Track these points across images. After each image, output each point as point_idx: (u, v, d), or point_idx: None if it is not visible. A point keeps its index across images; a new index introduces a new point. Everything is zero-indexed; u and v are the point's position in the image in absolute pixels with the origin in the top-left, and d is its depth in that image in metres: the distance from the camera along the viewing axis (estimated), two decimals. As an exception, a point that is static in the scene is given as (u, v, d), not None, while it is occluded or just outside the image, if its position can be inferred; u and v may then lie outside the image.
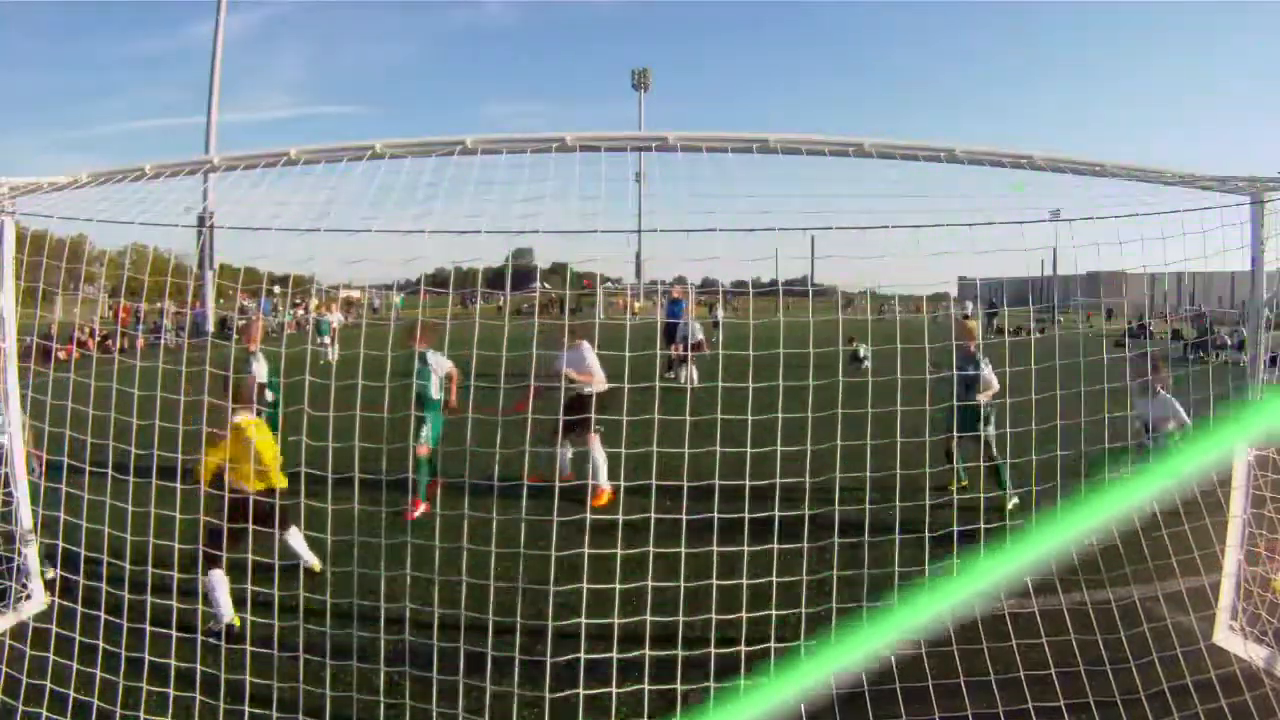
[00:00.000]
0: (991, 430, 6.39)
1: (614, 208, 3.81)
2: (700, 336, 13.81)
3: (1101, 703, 3.53)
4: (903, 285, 4.28)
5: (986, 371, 6.40)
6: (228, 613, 4.15)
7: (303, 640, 3.44)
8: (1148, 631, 3.98)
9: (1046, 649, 3.72)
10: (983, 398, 6.31)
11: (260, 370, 6.70)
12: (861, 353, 13.70)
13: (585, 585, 3.36)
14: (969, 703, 3.44)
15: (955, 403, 5.80)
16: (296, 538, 4.94)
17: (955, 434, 5.85)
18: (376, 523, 4.65)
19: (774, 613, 3.44)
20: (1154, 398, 5.60)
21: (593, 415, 6.08)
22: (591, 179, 3.49)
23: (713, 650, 3.28)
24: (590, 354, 6.67)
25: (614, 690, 3.20)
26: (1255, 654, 4.04)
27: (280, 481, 4.61)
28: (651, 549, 3.37)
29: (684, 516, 3.40)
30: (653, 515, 3.38)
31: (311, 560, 4.94)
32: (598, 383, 6.52)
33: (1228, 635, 4.23)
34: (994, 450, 6.37)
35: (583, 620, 3.31)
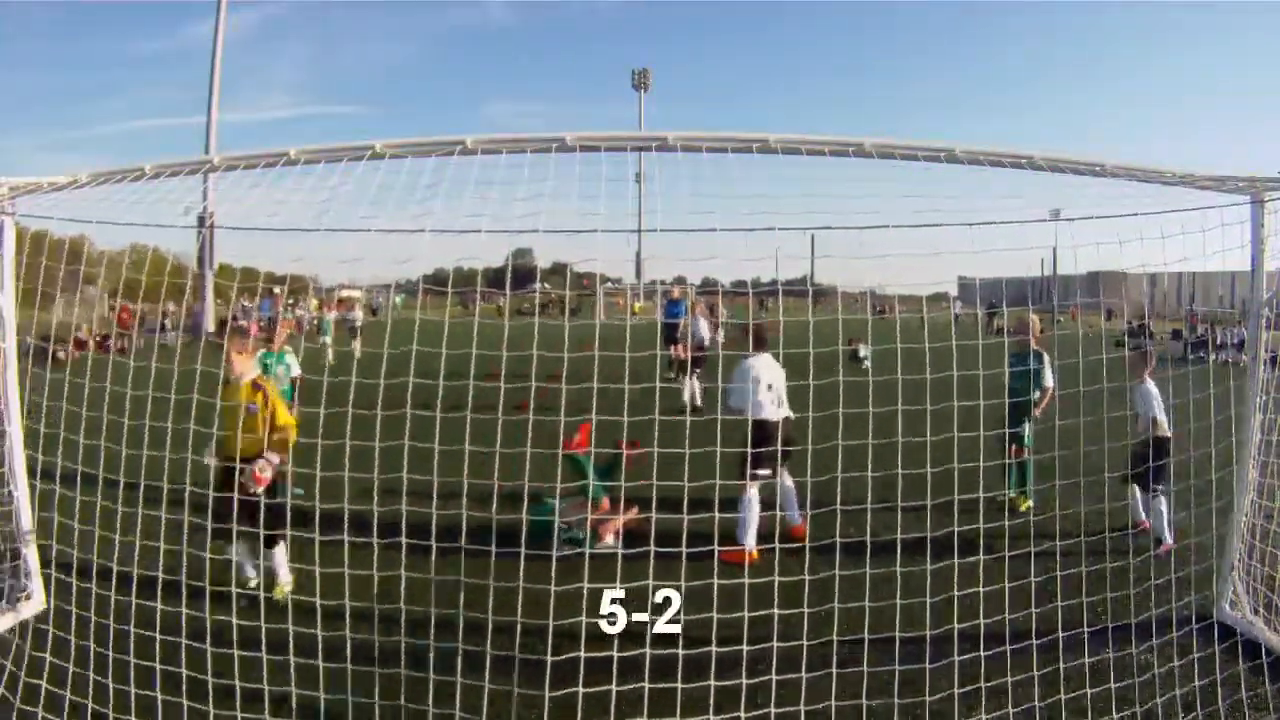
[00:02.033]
0: (1029, 427, 6.53)
1: (614, 208, 3.81)
2: (704, 335, 12.91)
3: (1105, 673, 3.55)
4: (903, 285, 4.28)
5: (1047, 370, 6.51)
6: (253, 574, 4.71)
7: (289, 640, 3.43)
8: (1153, 606, 4.01)
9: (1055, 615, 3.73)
10: (1038, 395, 6.45)
11: (294, 366, 7.07)
12: (861, 352, 13.77)
13: (585, 585, 3.35)
14: (983, 675, 3.47)
15: (1008, 399, 5.89)
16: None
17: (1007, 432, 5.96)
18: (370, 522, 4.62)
19: (776, 612, 3.43)
20: (1139, 386, 5.76)
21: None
22: (591, 179, 3.49)
23: (713, 649, 3.27)
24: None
25: (614, 689, 3.20)
26: (1258, 628, 4.10)
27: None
28: (652, 548, 3.37)
29: (684, 516, 3.39)
30: (653, 515, 3.39)
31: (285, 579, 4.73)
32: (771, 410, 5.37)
33: (1231, 611, 4.30)
34: (1026, 448, 6.51)
35: (583, 619, 3.31)
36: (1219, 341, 19.63)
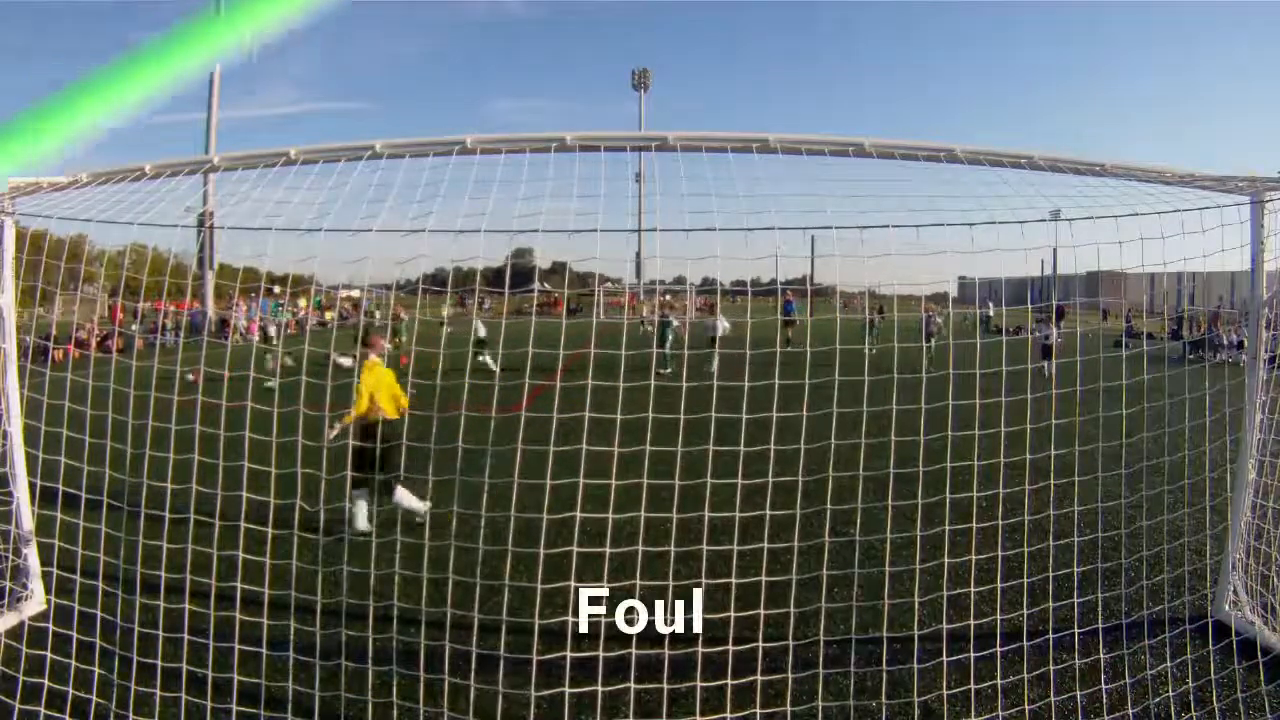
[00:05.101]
0: None
1: (614, 207, 3.81)
2: (724, 326, 14.73)
3: (1102, 673, 3.55)
4: (903, 285, 4.27)
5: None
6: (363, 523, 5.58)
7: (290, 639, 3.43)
8: (1147, 606, 3.99)
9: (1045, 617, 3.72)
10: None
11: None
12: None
13: (573, 584, 3.36)
14: (973, 676, 3.46)
15: None
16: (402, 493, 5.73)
17: None
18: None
19: (762, 612, 3.43)
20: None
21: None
22: (591, 179, 3.50)
23: (699, 650, 3.27)
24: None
25: (599, 689, 3.20)
26: (1256, 627, 4.09)
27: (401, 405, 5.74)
28: (641, 548, 3.37)
29: (674, 515, 3.39)
30: (643, 515, 3.37)
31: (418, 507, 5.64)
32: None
33: (1229, 610, 4.29)
34: None
35: (569, 619, 3.31)
36: (1216, 341, 19.63)
